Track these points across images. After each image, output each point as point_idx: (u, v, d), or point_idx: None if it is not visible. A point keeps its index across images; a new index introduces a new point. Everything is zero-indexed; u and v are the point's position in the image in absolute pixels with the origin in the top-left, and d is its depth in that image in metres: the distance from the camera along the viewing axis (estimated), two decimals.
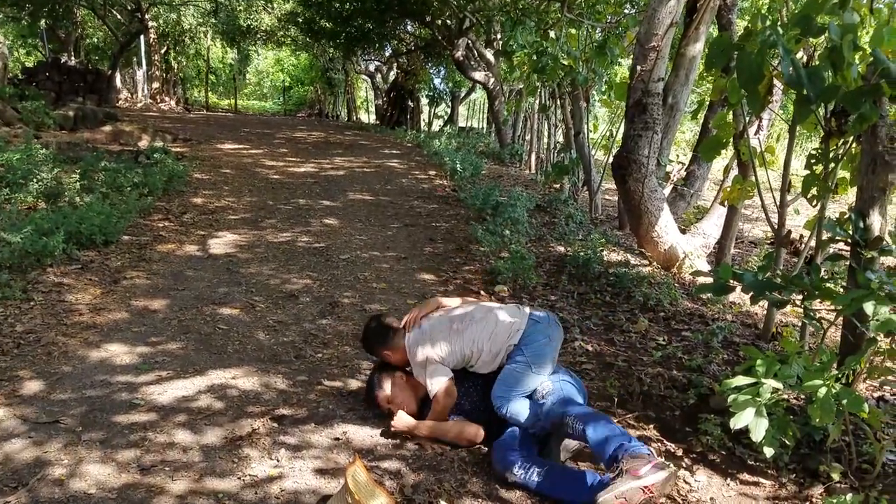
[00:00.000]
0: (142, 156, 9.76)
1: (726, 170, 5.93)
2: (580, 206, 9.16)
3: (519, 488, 2.82)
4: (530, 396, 3.14)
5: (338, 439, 3.14)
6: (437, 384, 3.19)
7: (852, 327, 3.63)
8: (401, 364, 3.40)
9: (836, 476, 2.79)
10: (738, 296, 5.45)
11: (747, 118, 4.86)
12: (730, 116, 4.79)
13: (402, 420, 3.15)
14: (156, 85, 24.59)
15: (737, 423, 2.76)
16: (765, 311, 5.13)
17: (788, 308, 5.15)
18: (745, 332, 4.68)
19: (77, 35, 25.03)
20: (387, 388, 3.29)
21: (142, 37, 23.63)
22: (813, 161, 3.99)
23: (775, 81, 4.22)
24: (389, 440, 3.16)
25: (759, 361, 2.91)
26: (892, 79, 3.46)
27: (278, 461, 2.92)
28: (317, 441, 3.11)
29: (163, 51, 25.97)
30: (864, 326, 3.63)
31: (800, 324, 4.62)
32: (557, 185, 10.26)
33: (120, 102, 21.44)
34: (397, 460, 2.99)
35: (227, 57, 33.92)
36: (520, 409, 3.09)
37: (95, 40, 27.89)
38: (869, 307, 2.62)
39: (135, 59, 25.46)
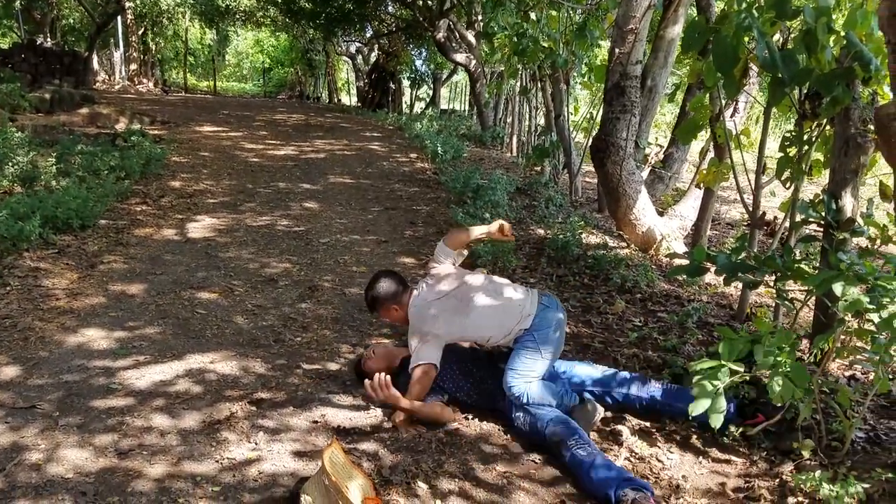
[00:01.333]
0: (119, 139, 9.66)
1: (703, 152, 5.98)
2: (560, 188, 9.19)
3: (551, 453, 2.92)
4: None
5: (316, 422, 3.16)
6: (420, 359, 3.21)
7: (824, 307, 3.70)
8: (399, 322, 3.53)
9: (806, 454, 2.85)
10: (714, 277, 5.52)
11: (723, 101, 4.89)
12: (706, 99, 4.83)
13: (382, 383, 3.10)
14: (133, 67, 24.24)
15: (694, 409, 2.78)
16: (739, 292, 5.20)
17: (763, 289, 5.22)
18: (720, 312, 4.75)
19: (53, 16, 24.55)
20: (369, 352, 3.54)
21: (119, 18, 23.24)
22: (787, 143, 4.03)
23: (751, 64, 4.25)
24: (367, 422, 3.19)
25: (721, 344, 2.95)
26: (864, 62, 3.51)
27: (256, 444, 2.94)
28: (295, 424, 3.12)
29: (140, 32, 25.55)
30: (835, 307, 3.70)
31: (773, 304, 4.69)
32: (538, 168, 10.27)
33: (97, 85, 21.12)
34: (375, 442, 3.01)
35: (205, 38, 33.48)
36: (542, 392, 3.16)
37: (72, 21, 27.39)
38: (838, 288, 2.67)
39: (112, 41, 25.07)
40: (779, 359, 2.63)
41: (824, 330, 3.50)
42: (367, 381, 3.12)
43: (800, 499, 2.60)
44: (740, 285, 4.75)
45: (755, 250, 4.34)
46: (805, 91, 4.01)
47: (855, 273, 2.75)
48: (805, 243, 3.86)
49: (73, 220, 5.64)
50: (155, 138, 10.37)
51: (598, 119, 9.76)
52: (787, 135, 4.06)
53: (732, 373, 2.72)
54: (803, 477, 2.62)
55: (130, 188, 7.34)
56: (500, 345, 3.41)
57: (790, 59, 3.68)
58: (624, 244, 6.30)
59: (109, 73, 24.44)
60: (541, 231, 6.76)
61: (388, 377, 3.11)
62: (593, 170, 13.30)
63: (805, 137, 4.01)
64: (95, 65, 22.24)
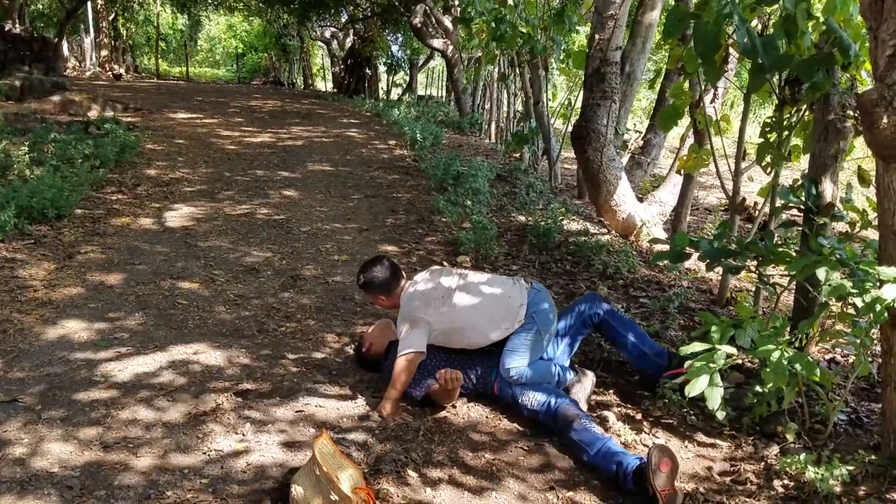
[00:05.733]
0: (92, 126, 9.48)
1: (682, 138, 6.01)
2: (540, 175, 9.20)
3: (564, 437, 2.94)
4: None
5: (303, 412, 3.15)
6: (407, 347, 3.21)
7: (805, 292, 3.75)
8: (387, 309, 3.63)
9: (790, 437, 2.90)
10: (694, 262, 5.57)
11: (703, 87, 4.92)
12: (686, 85, 4.85)
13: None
14: (104, 53, 23.79)
15: (691, 390, 2.83)
16: (720, 278, 5.26)
17: (743, 274, 5.28)
18: (700, 297, 4.79)
19: (21, 1, 23.97)
20: (371, 328, 3.66)
21: (88, 2, 22.75)
22: (767, 129, 4.07)
23: (731, 50, 4.28)
24: (355, 412, 3.18)
25: (713, 328, 3.00)
26: (844, 47, 3.54)
27: (243, 436, 2.92)
28: (282, 415, 3.11)
29: (111, 17, 25.08)
30: (817, 291, 3.75)
31: (753, 289, 4.75)
32: (517, 155, 10.27)
33: (67, 71, 20.69)
34: (363, 432, 3.01)
35: (177, 23, 32.94)
36: (539, 372, 3.25)
37: (40, 6, 26.75)
38: (821, 273, 2.71)
39: (82, 27, 24.54)
40: (777, 346, 2.66)
41: (805, 314, 3.56)
42: (440, 374, 3.11)
43: (785, 481, 2.65)
44: (720, 270, 4.80)
45: (734, 236, 4.39)
46: (785, 77, 4.04)
47: (838, 258, 2.79)
48: (785, 228, 3.90)
49: (49, 209, 5.54)
50: (129, 126, 10.19)
51: (577, 105, 9.78)
52: (768, 120, 4.10)
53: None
54: (788, 460, 2.67)
55: (105, 177, 7.21)
56: (496, 340, 3.37)
57: (770, 45, 3.71)
58: (605, 230, 6.33)
59: (80, 59, 23.97)
60: (522, 218, 6.77)
61: (459, 374, 3.13)
62: (572, 156, 13.33)
63: (785, 123, 4.05)
64: (65, 51, 21.78)
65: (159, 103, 14.44)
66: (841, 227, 4.68)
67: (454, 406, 3.30)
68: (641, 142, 7.45)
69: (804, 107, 4.11)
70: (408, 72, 24.54)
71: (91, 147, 7.67)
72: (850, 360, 3.69)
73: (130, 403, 3.10)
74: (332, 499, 2.36)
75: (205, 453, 2.77)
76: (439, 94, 24.53)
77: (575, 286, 4.96)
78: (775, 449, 2.87)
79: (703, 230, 6.77)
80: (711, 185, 9.57)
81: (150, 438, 2.85)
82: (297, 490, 2.42)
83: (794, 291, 3.90)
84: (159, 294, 4.47)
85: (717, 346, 2.87)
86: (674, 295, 4.55)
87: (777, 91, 4.12)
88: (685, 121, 5.62)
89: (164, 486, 2.54)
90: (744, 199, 4.46)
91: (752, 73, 3.92)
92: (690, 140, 5.45)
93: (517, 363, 3.22)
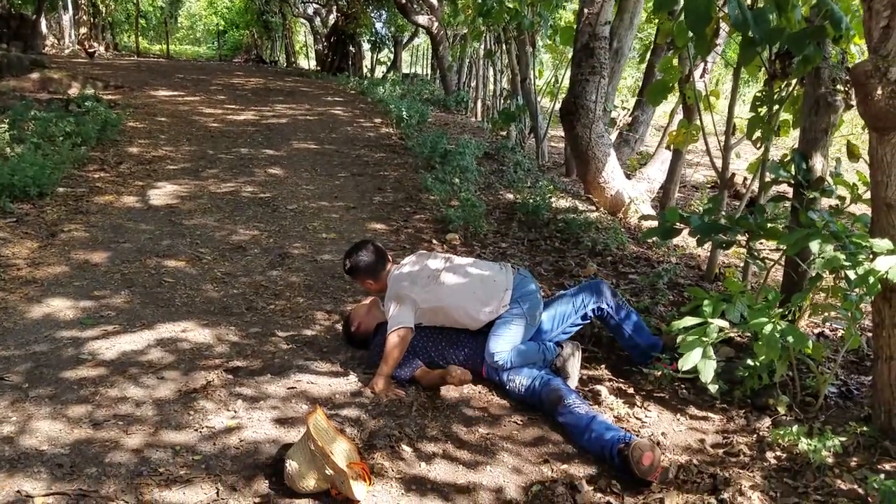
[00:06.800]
0: (72, 104, 9.31)
1: (671, 114, 6.00)
2: (527, 153, 9.17)
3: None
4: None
5: (294, 389, 3.12)
6: (397, 323, 3.19)
7: (794, 266, 3.76)
8: (374, 292, 3.57)
9: (782, 409, 2.92)
10: (682, 238, 5.58)
11: (693, 61, 4.90)
12: (675, 60, 4.82)
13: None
14: (84, 30, 23.34)
15: (685, 363, 2.84)
16: (708, 254, 5.27)
17: (731, 250, 5.30)
18: (689, 273, 4.81)
19: None
20: (357, 307, 3.62)
21: None
22: (758, 103, 4.05)
23: (721, 24, 4.25)
24: (347, 388, 3.16)
25: (705, 301, 3.00)
26: (835, 20, 3.52)
27: (235, 412, 2.90)
28: (273, 392, 3.08)
29: None
30: (807, 265, 3.77)
31: (742, 265, 4.76)
32: (504, 133, 10.23)
33: (46, 49, 20.30)
34: (356, 408, 2.99)
35: (157, 0, 32.36)
36: (524, 355, 3.23)
37: None
38: (815, 246, 2.71)
39: (60, 3, 24.04)
40: (770, 319, 2.67)
41: (795, 288, 3.57)
42: (454, 374, 3.11)
43: (778, 453, 2.66)
44: (709, 246, 4.81)
45: (723, 212, 4.40)
46: (776, 51, 4.02)
47: (830, 231, 2.79)
48: (774, 203, 3.91)
49: (31, 187, 5.44)
50: (110, 103, 10.02)
51: (564, 83, 9.73)
52: (759, 94, 4.08)
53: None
54: (781, 432, 2.68)
55: (87, 155, 7.09)
56: (485, 323, 3.36)
57: (761, 17, 3.69)
58: (593, 207, 6.33)
59: (58, 37, 23.48)
60: (510, 196, 6.75)
61: (469, 375, 3.14)
62: (559, 134, 13.28)
63: (775, 97, 4.04)
64: (44, 28, 21.34)
65: (140, 81, 14.21)
66: (830, 202, 4.71)
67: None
68: (630, 118, 7.43)
69: (794, 81, 4.11)
70: (392, 49, 24.27)
71: (72, 125, 7.53)
72: (839, 335, 3.72)
73: (119, 381, 3.06)
74: (327, 473, 2.35)
75: (197, 430, 2.74)
76: (424, 72, 24.34)
77: (565, 263, 4.95)
78: (767, 421, 2.88)
79: (690, 207, 6.78)
80: (698, 163, 9.58)
81: (140, 416, 2.82)
82: (291, 465, 2.40)
83: (783, 266, 3.91)
84: (145, 272, 4.41)
85: (710, 320, 2.88)
86: (663, 271, 4.56)
87: (767, 65, 4.11)
88: (672, 97, 5.60)
89: (157, 464, 2.52)
90: (733, 175, 4.46)
91: (742, 47, 3.90)
92: (679, 116, 5.43)
93: (501, 348, 3.21)
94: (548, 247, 5.33)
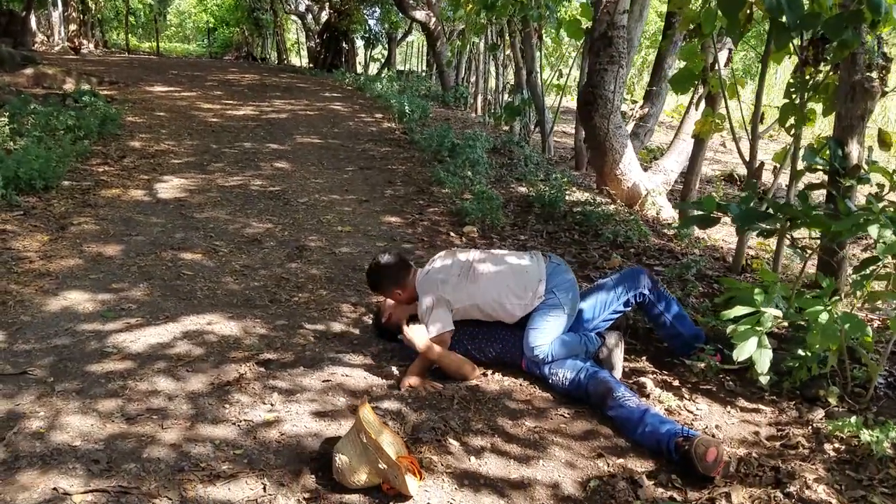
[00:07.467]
0: (69, 99, 9.14)
1: (692, 103, 5.92)
2: (533, 147, 9.08)
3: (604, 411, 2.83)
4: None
5: (330, 382, 3.02)
6: (434, 331, 3.10)
7: (831, 253, 3.70)
8: (408, 302, 3.37)
9: (833, 400, 2.84)
10: (701, 231, 5.52)
11: (717, 48, 4.82)
12: (699, 48, 4.74)
13: (416, 332, 3.09)
14: (73, 27, 23.04)
15: (740, 354, 2.76)
16: (730, 245, 5.21)
17: (756, 241, 5.23)
18: (715, 265, 4.73)
19: None
20: (384, 304, 3.49)
21: None
22: (792, 90, 3.98)
23: (754, 8, 4.17)
24: (383, 381, 3.06)
25: (756, 290, 2.92)
26: (873, 4, 3.45)
27: (272, 406, 2.79)
28: (309, 384, 2.98)
29: None
30: (843, 254, 3.70)
31: (768, 256, 4.69)
32: (507, 128, 10.13)
33: (36, 46, 20.01)
34: (395, 400, 2.89)
35: None
36: (566, 347, 3.10)
37: None
38: (874, 230, 2.63)
39: (49, 0, 23.73)
40: (825, 307, 2.59)
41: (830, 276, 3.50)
42: (405, 329, 3.10)
43: (836, 445, 2.58)
44: (732, 237, 4.74)
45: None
46: (809, 36, 3.95)
47: (888, 216, 2.72)
48: (808, 191, 3.83)
49: (37, 180, 5.29)
50: (107, 98, 9.85)
51: (569, 78, 9.65)
52: (792, 80, 4.01)
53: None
54: (839, 423, 2.60)
55: (90, 148, 6.93)
56: (519, 317, 3.25)
57: (795, 3, 3.60)
58: (608, 200, 6.24)
59: (48, 34, 23.17)
60: (523, 189, 6.65)
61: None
62: (563, 129, 13.24)
63: (809, 84, 3.97)
64: (33, 25, 21.04)
65: (134, 77, 14.01)
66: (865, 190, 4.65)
67: (485, 374, 3.20)
68: (642, 111, 7.36)
69: (827, 67, 4.03)
70: (386, 46, 24.13)
71: (73, 118, 7.37)
72: (875, 325, 3.65)
73: (148, 374, 2.95)
74: (380, 467, 2.25)
75: (235, 424, 2.63)
76: (418, 69, 24.21)
77: (587, 255, 4.86)
78: (820, 413, 2.80)
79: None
80: (709, 159, 9.50)
81: (174, 410, 2.70)
82: (341, 459, 2.29)
83: (818, 255, 3.84)
84: (162, 265, 4.29)
85: (763, 309, 2.80)
86: (691, 262, 4.47)
87: (798, 51, 4.03)
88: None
89: (198, 459, 2.41)
90: (762, 164, 4.39)
91: (774, 33, 3.82)
92: (702, 105, 5.36)
93: (541, 341, 3.09)
94: (567, 239, 5.24)
